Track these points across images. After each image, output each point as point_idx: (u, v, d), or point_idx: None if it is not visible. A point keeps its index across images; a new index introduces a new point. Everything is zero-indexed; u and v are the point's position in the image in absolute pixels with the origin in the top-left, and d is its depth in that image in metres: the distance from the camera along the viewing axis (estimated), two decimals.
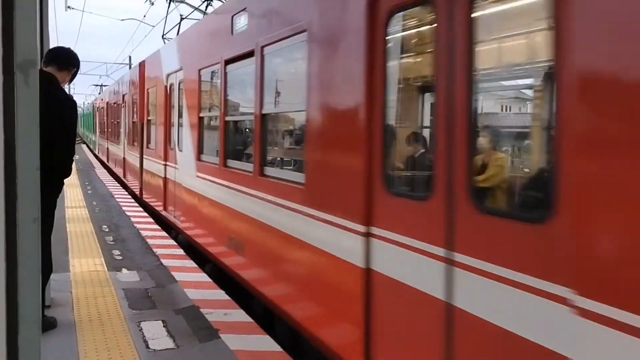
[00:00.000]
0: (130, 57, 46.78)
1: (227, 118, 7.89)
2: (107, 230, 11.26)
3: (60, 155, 5.27)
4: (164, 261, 8.71)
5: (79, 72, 5.87)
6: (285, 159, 6.95)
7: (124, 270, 8.10)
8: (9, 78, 1.54)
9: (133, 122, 16.92)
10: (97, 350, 5.16)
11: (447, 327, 3.26)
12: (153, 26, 28.53)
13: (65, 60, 5.61)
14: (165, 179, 11.64)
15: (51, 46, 6.38)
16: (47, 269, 5.38)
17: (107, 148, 26.11)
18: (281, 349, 5.31)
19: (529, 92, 3.90)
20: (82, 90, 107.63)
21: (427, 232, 3.45)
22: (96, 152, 34.27)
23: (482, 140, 3.58)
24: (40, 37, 6.19)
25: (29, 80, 1.57)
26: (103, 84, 56.39)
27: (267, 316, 6.55)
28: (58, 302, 6.50)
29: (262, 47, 6.43)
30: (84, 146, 51.26)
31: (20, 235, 1.57)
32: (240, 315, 6.28)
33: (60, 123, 5.17)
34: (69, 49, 5.94)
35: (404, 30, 4.17)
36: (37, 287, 1.57)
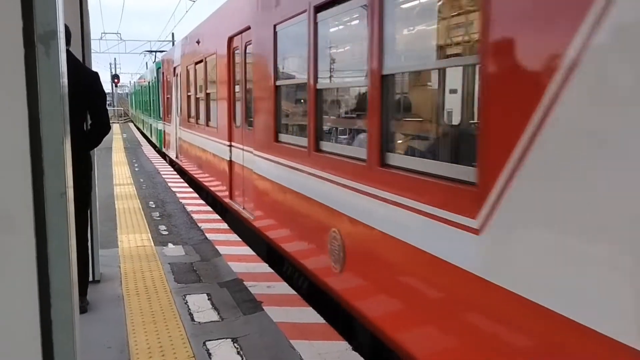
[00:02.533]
0: (173, 34, 46.69)
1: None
2: (153, 206, 11.47)
3: (100, 127, 5.38)
4: (209, 235, 8.82)
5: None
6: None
7: (170, 245, 8.24)
8: (30, 50, 1.51)
9: (188, 97, 15.23)
10: (144, 322, 5.27)
11: None
12: (194, 1, 28.49)
13: (69, 36, 5.53)
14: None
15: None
16: (84, 249, 5.46)
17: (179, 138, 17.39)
18: (324, 321, 5.31)
19: None
20: (127, 69, 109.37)
21: None
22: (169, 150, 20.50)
23: None
24: (80, 16, 6.23)
25: (50, 52, 1.53)
26: (147, 62, 52.48)
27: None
28: (107, 276, 6.67)
29: None
30: (131, 125, 52.14)
31: (48, 210, 1.56)
32: (283, 288, 6.31)
33: (96, 96, 5.33)
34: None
35: None
36: (68, 260, 1.56)
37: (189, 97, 15.05)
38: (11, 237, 1.50)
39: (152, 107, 27.36)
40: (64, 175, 1.61)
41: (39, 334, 1.52)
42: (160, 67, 23.18)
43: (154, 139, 26.76)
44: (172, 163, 19.31)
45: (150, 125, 28.86)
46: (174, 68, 17.84)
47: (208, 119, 12.14)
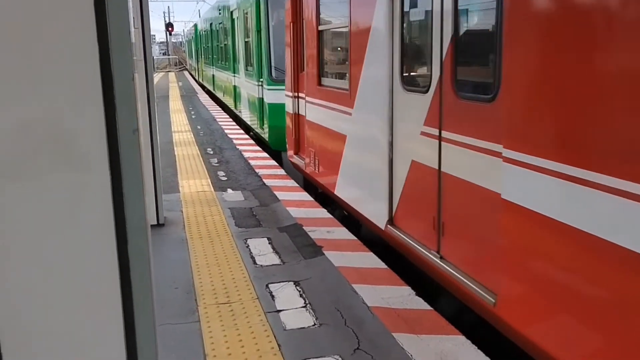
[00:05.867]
0: None
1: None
2: (211, 152, 11.61)
3: None
4: (267, 181, 8.88)
5: None
6: None
7: (229, 191, 8.34)
8: None
9: (246, 43, 13.73)
10: (208, 265, 5.38)
11: None
12: None
13: None
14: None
15: None
16: None
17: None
18: (386, 266, 5.29)
19: None
20: (180, 17, 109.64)
21: None
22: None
23: None
24: None
25: None
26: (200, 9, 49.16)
27: None
28: (171, 220, 6.83)
29: None
30: (186, 73, 52.62)
31: (122, 147, 1.53)
32: (343, 233, 6.30)
33: None
34: None
35: None
36: (142, 197, 1.54)
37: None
38: (87, 175, 1.48)
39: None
40: (135, 112, 1.57)
41: (117, 269, 1.52)
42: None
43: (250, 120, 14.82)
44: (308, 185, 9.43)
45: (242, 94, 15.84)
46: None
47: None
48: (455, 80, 4.26)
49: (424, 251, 4.72)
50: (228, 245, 5.93)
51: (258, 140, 13.16)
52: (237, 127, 15.61)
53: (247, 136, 13.84)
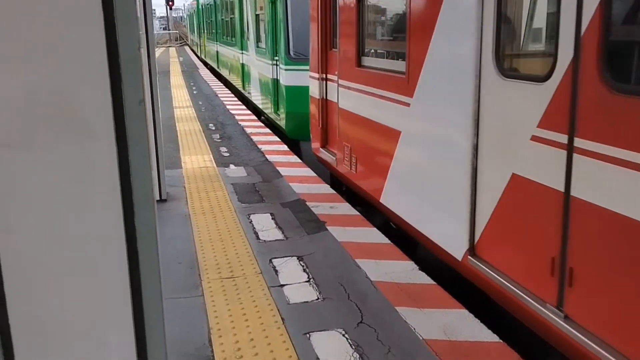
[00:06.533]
0: None
1: None
2: (213, 128, 11.58)
3: None
4: (269, 157, 8.87)
5: None
6: None
7: (232, 166, 8.34)
8: None
9: (257, 16, 12.54)
10: (211, 240, 5.40)
11: None
12: None
13: None
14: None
15: None
16: None
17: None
18: (389, 241, 5.30)
19: None
20: None
21: None
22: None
23: None
24: None
25: None
26: None
27: None
28: (173, 196, 6.84)
29: None
30: (186, 48, 52.31)
31: (127, 117, 1.52)
32: (346, 209, 6.31)
33: None
34: None
35: None
36: (149, 168, 1.53)
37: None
38: (94, 146, 1.47)
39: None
40: (141, 83, 1.56)
41: (124, 241, 1.52)
42: None
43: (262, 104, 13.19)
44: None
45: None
46: None
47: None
48: (606, 65, 2.89)
49: (533, 302, 3.47)
50: (231, 221, 5.94)
51: (272, 126, 11.82)
52: (240, 103, 15.54)
53: (249, 112, 13.79)
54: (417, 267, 4.70)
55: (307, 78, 8.18)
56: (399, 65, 5.18)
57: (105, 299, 1.51)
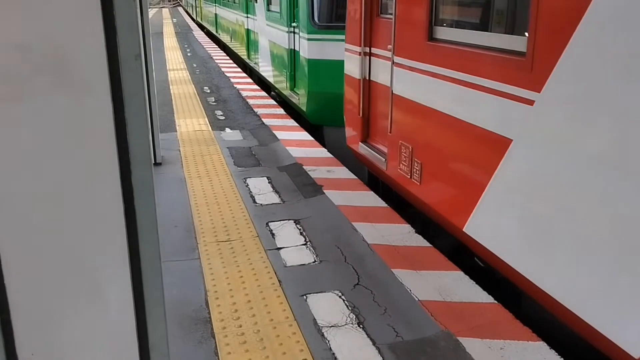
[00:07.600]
0: None
1: None
2: (208, 91, 11.46)
3: None
4: (265, 120, 8.80)
5: None
6: None
7: (227, 130, 8.27)
8: None
9: None
10: (207, 204, 5.38)
11: None
12: None
13: None
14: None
15: None
16: None
17: None
18: (385, 204, 5.30)
19: None
20: None
21: None
22: None
23: None
24: None
25: None
26: None
27: None
28: (168, 160, 6.79)
29: None
30: (180, 9, 51.46)
31: (123, 72, 1.47)
32: (343, 172, 6.29)
33: None
34: None
35: None
36: (145, 125, 1.50)
37: None
38: (88, 99, 1.43)
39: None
40: (137, 37, 1.50)
41: (121, 200, 1.49)
42: None
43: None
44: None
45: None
46: None
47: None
48: None
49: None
50: (227, 185, 5.92)
51: (286, 105, 9.96)
52: (234, 64, 15.35)
53: (244, 74, 13.62)
54: (414, 230, 4.71)
55: (334, 50, 6.96)
56: (512, 42, 3.53)
57: (104, 256, 1.49)
